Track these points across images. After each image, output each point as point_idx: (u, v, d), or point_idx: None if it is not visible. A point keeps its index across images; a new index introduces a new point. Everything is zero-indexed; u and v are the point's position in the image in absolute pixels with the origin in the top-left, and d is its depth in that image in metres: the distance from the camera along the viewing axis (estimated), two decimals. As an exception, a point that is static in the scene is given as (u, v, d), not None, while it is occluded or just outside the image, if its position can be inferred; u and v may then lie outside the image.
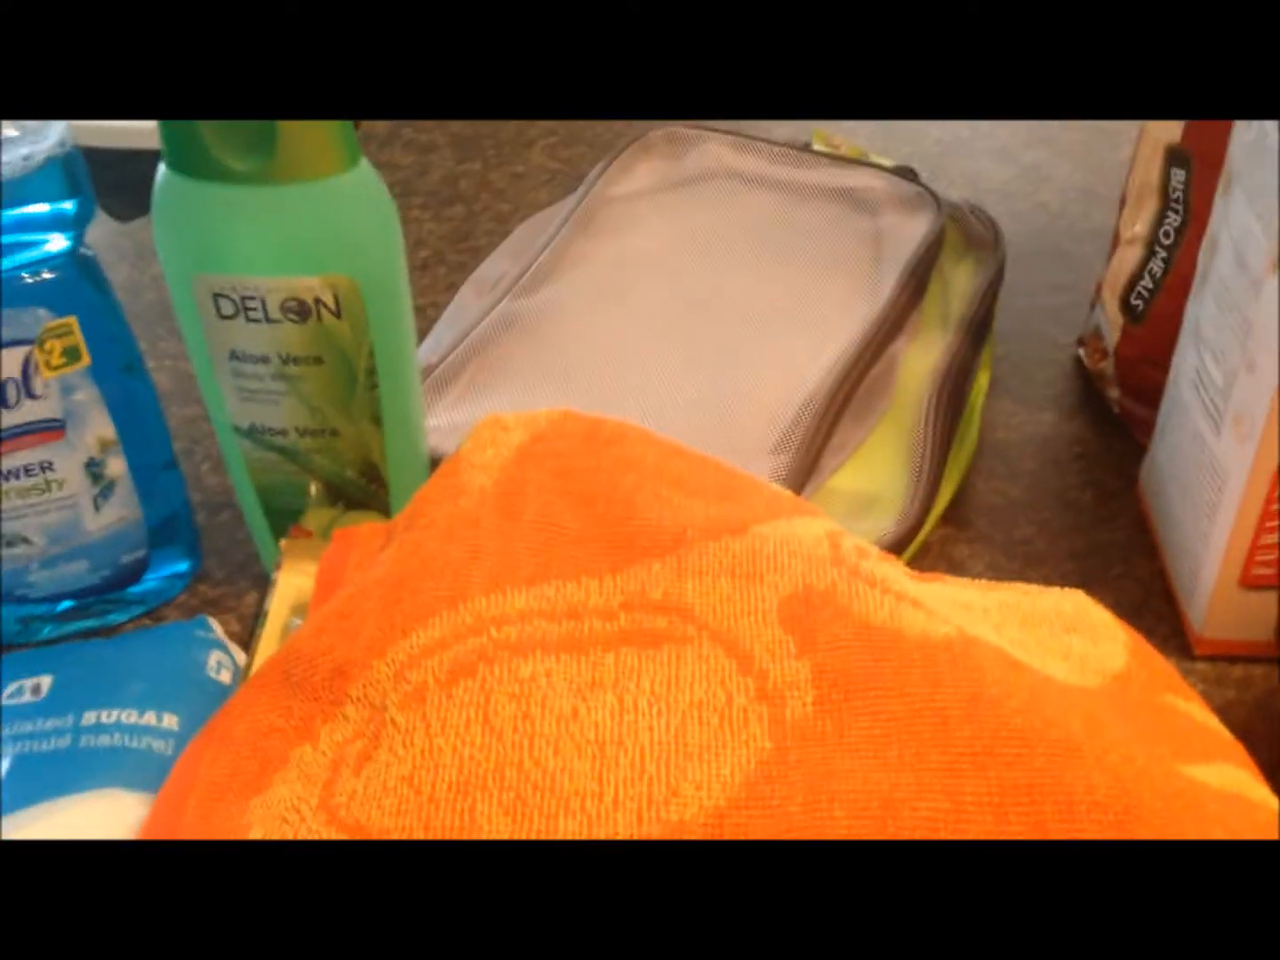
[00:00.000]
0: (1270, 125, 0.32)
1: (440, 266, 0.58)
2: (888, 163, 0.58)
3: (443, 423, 0.44)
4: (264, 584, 0.42)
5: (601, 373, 0.46)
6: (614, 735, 0.27)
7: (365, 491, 0.38)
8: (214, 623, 0.37)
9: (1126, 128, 0.67)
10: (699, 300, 0.49)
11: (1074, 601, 0.36)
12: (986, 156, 0.65)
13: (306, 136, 0.30)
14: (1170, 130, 0.42)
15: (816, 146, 0.59)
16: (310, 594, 0.39)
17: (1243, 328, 0.34)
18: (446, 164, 0.65)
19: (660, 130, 0.57)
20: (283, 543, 0.40)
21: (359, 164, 0.32)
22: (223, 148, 0.30)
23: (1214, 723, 0.32)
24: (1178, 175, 0.42)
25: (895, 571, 0.32)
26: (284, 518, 0.39)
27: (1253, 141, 0.33)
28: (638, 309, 0.49)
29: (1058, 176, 0.63)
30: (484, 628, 0.29)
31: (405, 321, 0.36)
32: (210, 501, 0.45)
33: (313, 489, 0.38)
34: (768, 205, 0.54)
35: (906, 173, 0.56)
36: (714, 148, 0.57)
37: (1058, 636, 0.34)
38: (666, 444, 0.35)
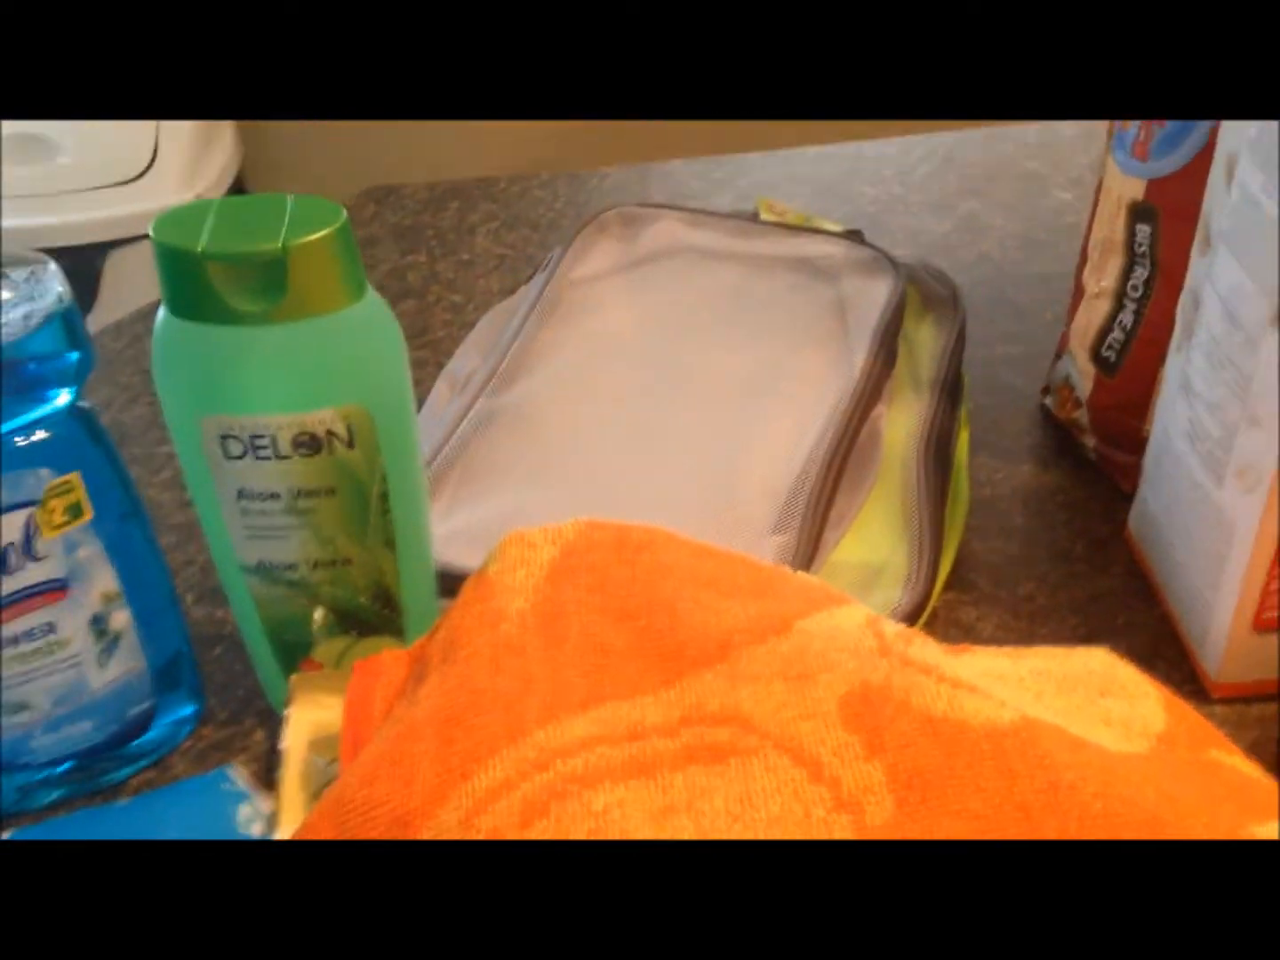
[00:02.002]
0: (1256, 187, 0.33)
1: (401, 364, 0.57)
2: (835, 226, 0.59)
3: (438, 532, 0.43)
4: (269, 720, 0.40)
5: (589, 466, 0.45)
6: (699, 863, 0.26)
7: (378, 617, 0.37)
8: (235, 772, 0.35)
9: (1051, 173, 0.69)
10: (675, 380, 0.49)
11: (1100, 660, 0.36)
12: (924, 210, 0.67)
13: (318, 273, 0.30)
14: (1132, 188, 0.43)
15: (763, 216, 0.60)
16: (327, 728, 0.38)
17: (1240, 383, 0.35)
18: (391, 257, 0.64)
19: (612, 211, 0.57)
20: (293, 677, 0.38)
21: (366, 293, 0.32)
22: (231, 291, 0.29)
23: (1258, 773, 0.33)
24: (1143, 230, 0.43)
25: (937, 653, 0.32)
26: (292, 650, 0.38)
27: (1239, 203, 0.35)
28: (615, 394, 0.48)
29: (995, 226, 0.65)
30: (549, 762, 0.28)
31: (414, 441, 0.35)
32: (200, 636, 0.43)
33: (317, 617, 0.37)
34: (728, 278, 0.54)
35: (855, 235, 0.57)
36: (667, 225, 0.57)
37: (1094, 701, 0.34)
38: (693, 545, 0.35)
